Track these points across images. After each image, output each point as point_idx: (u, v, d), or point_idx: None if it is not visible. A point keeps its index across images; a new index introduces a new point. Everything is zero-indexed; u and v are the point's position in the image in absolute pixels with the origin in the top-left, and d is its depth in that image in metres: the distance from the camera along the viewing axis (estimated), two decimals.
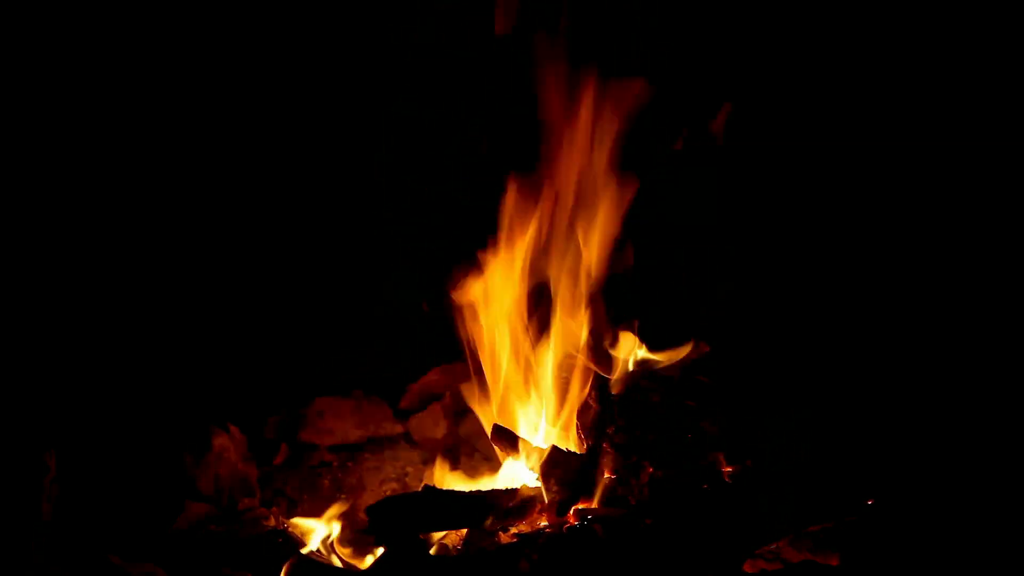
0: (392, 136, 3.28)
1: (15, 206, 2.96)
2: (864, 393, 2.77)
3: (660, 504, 2.29)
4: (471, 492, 2.39)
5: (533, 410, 2.60)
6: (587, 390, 2.47)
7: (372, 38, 3.21)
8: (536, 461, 2.38)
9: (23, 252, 2.96)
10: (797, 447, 2.47)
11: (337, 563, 2.41)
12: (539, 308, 2.72)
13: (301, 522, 2.57)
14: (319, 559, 2.41)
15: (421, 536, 2.32)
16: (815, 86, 3.20)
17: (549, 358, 2.62)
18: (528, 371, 2.66)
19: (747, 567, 2.29)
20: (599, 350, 2.70)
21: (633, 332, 2.68)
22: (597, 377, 2.48)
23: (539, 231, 2.73)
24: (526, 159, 2.82)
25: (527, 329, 2.69)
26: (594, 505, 2.33)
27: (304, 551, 2.42)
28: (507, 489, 2.38)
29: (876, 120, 3.18)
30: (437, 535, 2.39)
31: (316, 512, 2.65)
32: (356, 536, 2.56)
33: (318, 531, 2.52)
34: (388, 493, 2.89)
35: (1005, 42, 3.02)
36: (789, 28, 3.16)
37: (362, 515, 2.62)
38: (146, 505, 2.63)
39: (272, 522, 2.67)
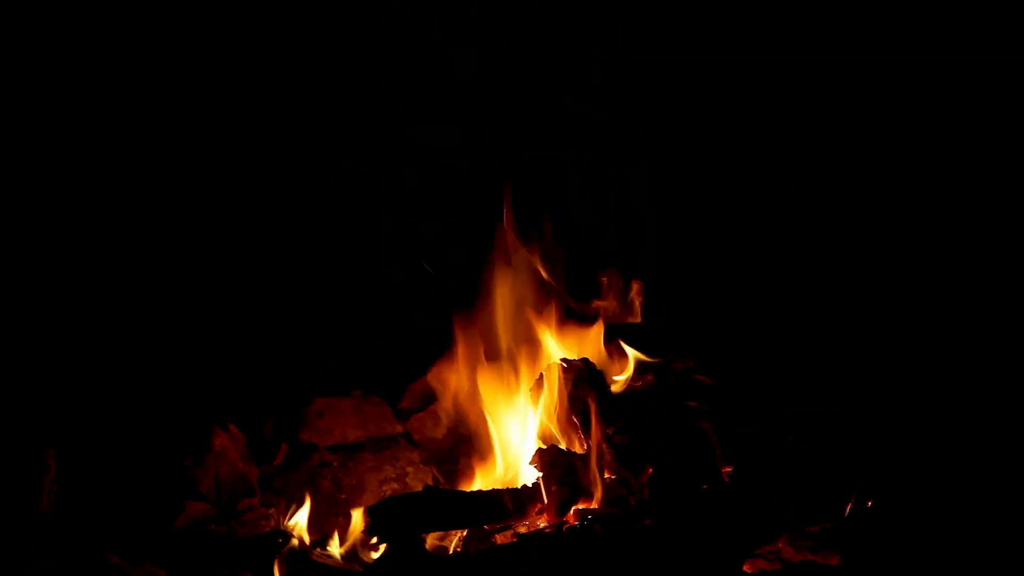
0: (393, 139, 3.29)
1: (15, 206, 2.96)
2: (864, 393, 2.77)
3: (660, 504, 2.29)
4: (471, 492, 2.39)
5: (533, 410, 2.60)
6: (587, 390, 2.47)
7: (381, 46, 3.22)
8: (536, 461, 2.38)
9: (23, 252, 2.96)
10: (797, 447, 2.47)
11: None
12: (539, 310, 2.73)
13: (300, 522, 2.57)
14: (319, 559, 2.41)
15: (421, 536, 2.32)
16: (811, 87, 3.21)
17: (549, 359, 2.62)
18: (529, 373, 2.67)
19: (747, 567, 2.29)
20: (599, 350, 2.71)
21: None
22: (597, 377, 2.48)
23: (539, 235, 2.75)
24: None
25: (528, 331, 2.69)
26: (594, 505, 2.33)
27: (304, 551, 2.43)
28: (507, 489, 2.38)
29: (873, 122, 3.20)
30: (437, 535, 2.40)
31: (316, 512, 2.65)
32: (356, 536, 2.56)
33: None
34: (388, 493, 2.89)
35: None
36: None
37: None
38: (146, 505, 2.63)
39: (272, 522, 2.67)
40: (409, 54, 3.25)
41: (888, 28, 3.15)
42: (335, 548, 2.45)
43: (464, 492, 2.42)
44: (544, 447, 2.40)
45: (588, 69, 3.24)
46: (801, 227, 3.25)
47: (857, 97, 3.20)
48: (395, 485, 2.93)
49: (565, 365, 2.49)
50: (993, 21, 3.05)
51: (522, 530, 2.36)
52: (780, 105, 3.25)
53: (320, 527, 2.62)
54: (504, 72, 3.17)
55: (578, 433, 2.45)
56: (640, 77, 3.26)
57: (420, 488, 2.51)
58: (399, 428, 3.15)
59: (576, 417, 2.46)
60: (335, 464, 2.99)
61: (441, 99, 3.25)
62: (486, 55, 3.17)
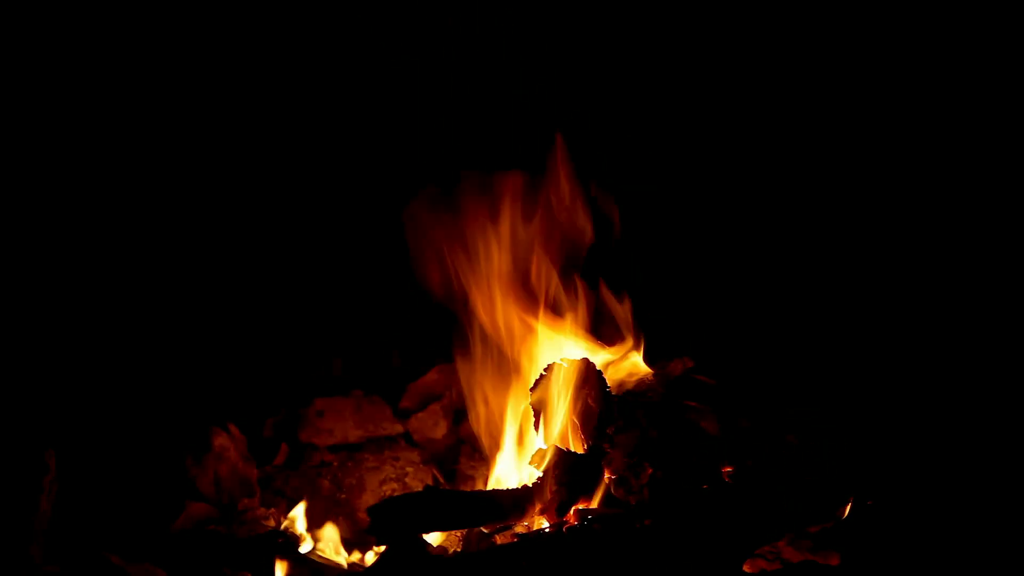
0: (395, 139, 3.29)
1: (16, 207, 2.96)
2: (863, 393, 2.77)
3: (660, 504, 2.29)
4: (471, 492, 2.39)
5: (533, 411, 2.60)
6: (587, 390, 2.47)
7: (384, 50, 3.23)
8: (537, 461, 2.38)
9: (23, 252, 2.96)
10: (797, 447, 2.47)
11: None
12: (540, 309, 2.73)
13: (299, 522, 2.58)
14: (320, 559, 2.41)
15: (421, 536, 2.32)
16: (808, 90, 3.22)
17: (549, 359, 2.62)
18: (528, 372, 2.67)
19: (747, 567, 2.29)
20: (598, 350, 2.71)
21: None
22: (597, 377, 2.48)
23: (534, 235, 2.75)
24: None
25: (529, 330, 2.69)
26: (594, 505, 2.33)
27: (304, 551, 2.43)
28: (507, 489, 2.38)
29: (871, 121, 3.20)
30: (437, 535, 2.40)
31: (316, 512, 2.65)
32: (356, 536, 2.57)
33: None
34: (388, 493, 2.89)
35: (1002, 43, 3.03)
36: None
37: (362, 515, 2.62)
38: (146, 505, 2.64)
39: (272, 522, 2.68)
40: (412, 55, 3.25)
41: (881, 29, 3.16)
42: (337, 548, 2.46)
43: (464, 492, 2.42)
44: (544, 447, 2.40)
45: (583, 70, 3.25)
46: (801, 229, 3.25)
47: (854, 97, 3.21)
48: (395, 485, 2.93)
49: (565, 364, 2.49)
50: (991, 21, 3.06)
51: (522, 530, 2.36)
52: (778, 107, 3.25)
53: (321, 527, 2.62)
54: (502, 71, 3.17)
55: (578, 433, 2.45)
56: (639, 78, 3.26)
57: (420, 488, 2.51)
58: (399, 428, 3.15)
59: (576, 417, 2.46)
60: (335, 464, 2.99)
61: (442, 99, 3.25)
62: (485, 55, 3.17)
